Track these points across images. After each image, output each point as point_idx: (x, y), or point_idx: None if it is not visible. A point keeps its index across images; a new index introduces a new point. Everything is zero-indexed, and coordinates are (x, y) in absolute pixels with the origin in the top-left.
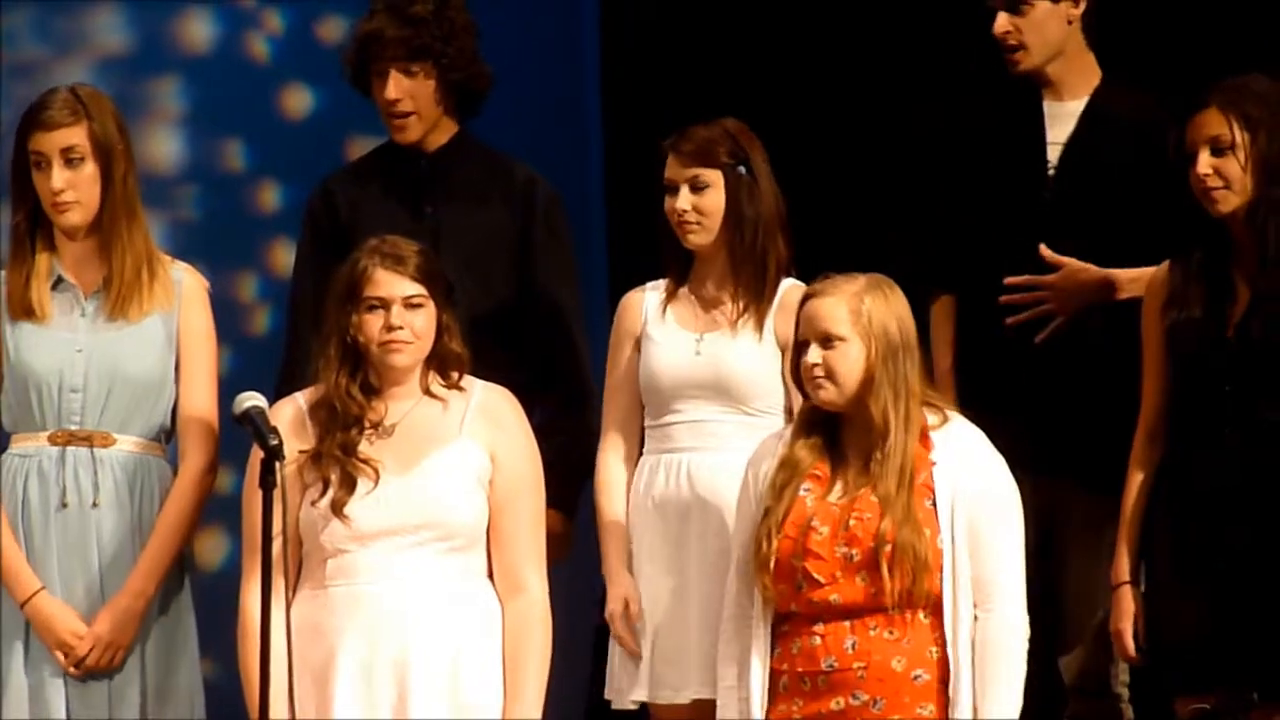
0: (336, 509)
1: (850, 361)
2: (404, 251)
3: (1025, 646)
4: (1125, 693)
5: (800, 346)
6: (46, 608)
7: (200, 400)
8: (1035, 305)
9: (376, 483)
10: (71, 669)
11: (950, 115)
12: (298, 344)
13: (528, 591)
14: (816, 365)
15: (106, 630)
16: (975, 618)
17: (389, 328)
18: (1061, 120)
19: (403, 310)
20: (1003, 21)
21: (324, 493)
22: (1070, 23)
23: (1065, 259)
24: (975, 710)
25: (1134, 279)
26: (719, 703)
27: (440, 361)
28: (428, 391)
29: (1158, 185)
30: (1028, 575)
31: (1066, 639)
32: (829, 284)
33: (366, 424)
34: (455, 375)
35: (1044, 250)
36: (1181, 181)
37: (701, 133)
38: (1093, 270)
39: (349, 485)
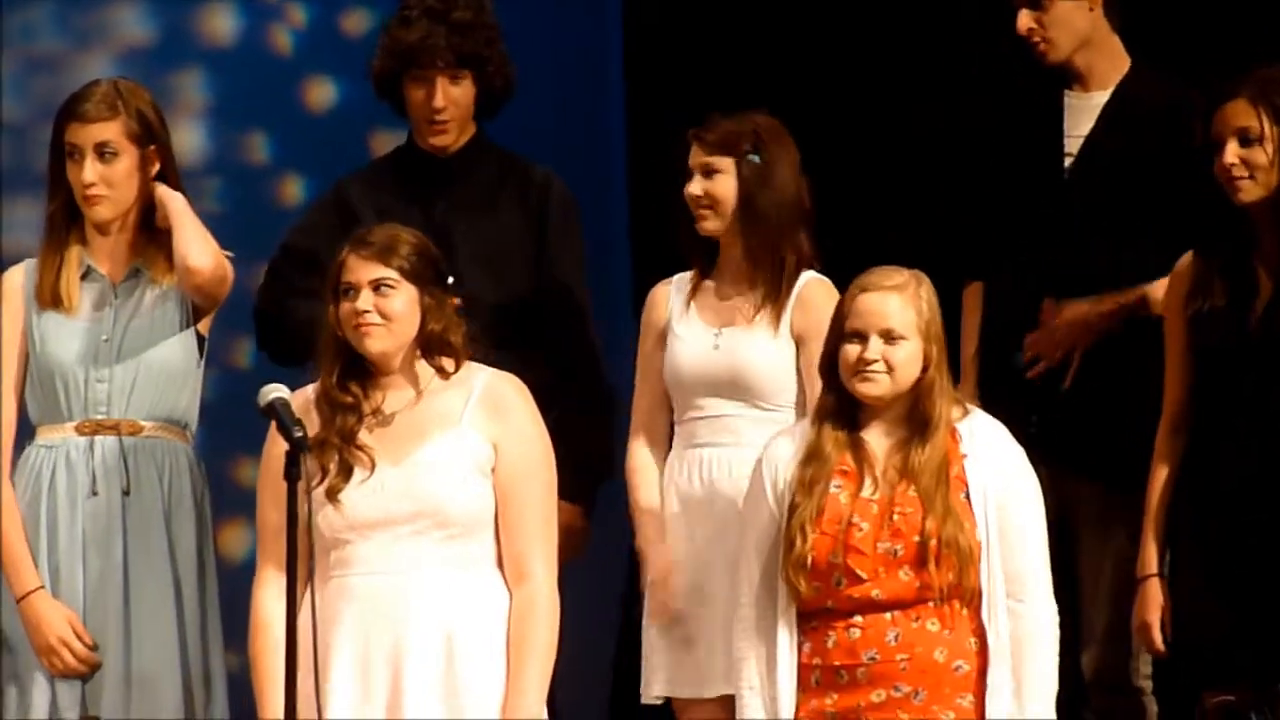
0: (331, 495)
1: (909, 357)
2: (380, 237)
3: (1057, 637)
4: (1148, 685)
5: (849, 337)
6: (41, 608)
7: None
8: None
9: (372, 470)
10: (54, 672)
11: (973, 108)
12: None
13: (532, 580)
14: (876, 360)
15: None
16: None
17: (356, 311)
18: (1087, 112)
19: (370, 293)
20: (1025, 19)
21: (322, 481)
22: (1092, 9)
23: (1064, 306)
24: (1018, 704)
25: (1116, 305)
26: (739, 703)
27: (426, 346)
28: (419, 378)
29: (1186, 173)
30: None
31: (1082, 635)
32: (882, 277)
33: (365, 412)
34: (447, 362)
35: (1045, 308)
36: (1205, 171)
37: (726, 123)
38: (1085, 306)
39: (345, 472)
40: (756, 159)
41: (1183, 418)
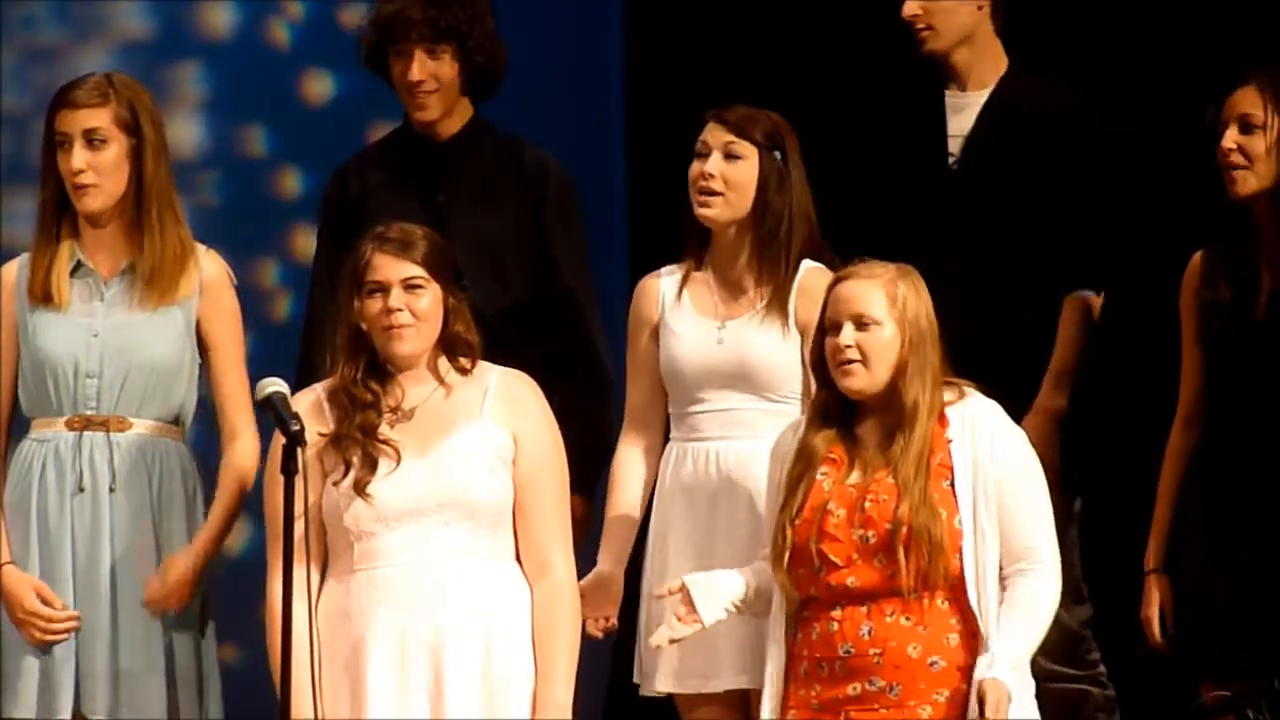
0: (359, 488)
1: (884, 344)
2: (405, 235)
3: (1053, 607)
4: (1103, 670)
5: (829, 329)
6: (6, 585)
7: (238, 385)
8: None
9: (398, 463)
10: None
11: (863, 110)
12: (314, 334)
13: (554, 572)
14: (849, 347)
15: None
16: (1003, 588)
17: (387, 310)
18: (965, 112)
19: (401, 292)
20: (911, 6)
21: (345, 474)
22: (980, 9)
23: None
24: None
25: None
26: None
27: (448, 345)
28: (439, 376)
29: (1066, 172)
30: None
31: None
32: (863, 268)
33: (384, 408)
34: (466, 360)
35: None
36: (1209, 163)
37: (747, 110)
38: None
39: (370, 465)
40: (778, 156)
41: (1194, 414)
